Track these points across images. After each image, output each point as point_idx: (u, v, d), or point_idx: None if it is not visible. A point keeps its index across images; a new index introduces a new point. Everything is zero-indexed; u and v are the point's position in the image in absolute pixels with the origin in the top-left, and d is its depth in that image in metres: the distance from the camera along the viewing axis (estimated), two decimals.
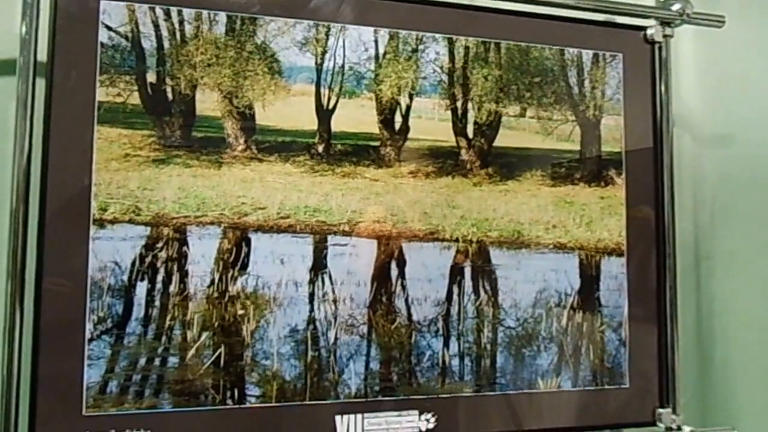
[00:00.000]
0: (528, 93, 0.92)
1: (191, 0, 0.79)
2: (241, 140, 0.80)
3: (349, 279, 0.83)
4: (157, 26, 0.78)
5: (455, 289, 0.87)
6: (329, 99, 0.84)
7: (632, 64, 0.96)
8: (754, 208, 1.07)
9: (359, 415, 0.81)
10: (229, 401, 0.77)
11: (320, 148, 0.83)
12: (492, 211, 0.89)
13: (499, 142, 0.90)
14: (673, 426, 0.93)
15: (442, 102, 0.88)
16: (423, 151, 0.87)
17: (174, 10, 0.79)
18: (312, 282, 0.81)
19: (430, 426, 0.84)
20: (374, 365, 0.83)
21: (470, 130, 0.89)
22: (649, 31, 0.97)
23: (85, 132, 0.74)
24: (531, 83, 0.92)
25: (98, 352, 0.73)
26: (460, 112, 0.89)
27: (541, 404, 0.89)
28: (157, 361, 0.75)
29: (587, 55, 0.95)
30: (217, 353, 0.77)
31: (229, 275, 0.78)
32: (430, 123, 0.88)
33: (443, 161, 0.88)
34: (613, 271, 0.94)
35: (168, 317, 0.76)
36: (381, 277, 0.84)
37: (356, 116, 0.85)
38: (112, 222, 0.75)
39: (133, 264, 0.75)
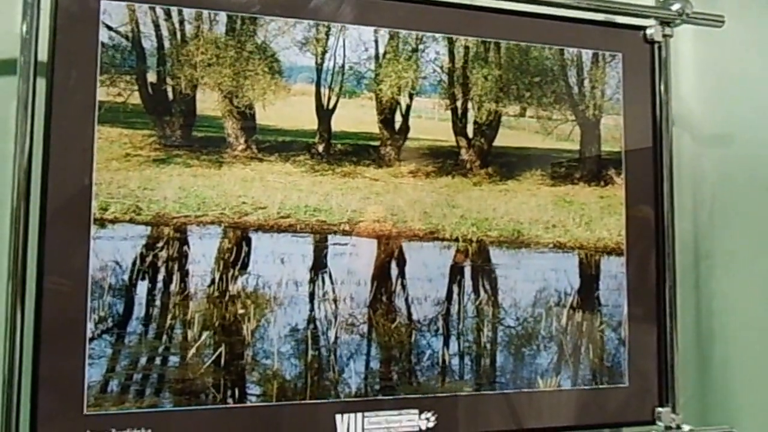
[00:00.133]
0: (528, 93, 0.92)
1: (191, 0, 0.79)
2: (242, 140, 0.80)
3: (350, 278, 0.83)
4: (157, 26, 0.78)
5: (455, 289, 0.87)
6: (329, 99, 0.84)
7: (632, 63, 0.97)
8: (753, 208, 1.07)
9: (359, 414, 0.81)
10: (230, 400, 0.77)
11: (320, 148, 0.83)
12: (492, 211, 0.89)
13: (498, 141, 0.91)
14: (673, 425, 0.93)
15: (442, 102, 0.89)
16: (423, 150, 0.87)
17: (174, 10, 0.79)
18: (312, 281, 0.81)
19: (430, 425, 0.84)
20: (374, 364, 0.83)
21: (470, 130, 0.89)
22: (648, 31, 0.97)
23: (86, 132, 0.74)
24: (531, 83, 0.92)
25: (99, 351, 0.73)
26: (460, 111, 0.89)
27: (540, 403, 0.89)
28: (157, 360, 0.75)
29: (587, 54, 0.95)
30: (217, 352, 0.77)
31: (230, 275, 0.78)
32: (430, 123, 0.88)
33: (443, 161, 0.88)
34: (613, 271, 0.94)
35: (169, 316, 0.76)
36: (381, 276, 0.84)
37: (356, 116, 0.85)
38: (113, 221, 0.75)
39: (133, 263, 0.75)
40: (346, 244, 0.83)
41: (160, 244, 0.76)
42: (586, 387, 0.91)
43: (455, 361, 0.86)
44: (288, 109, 0.82)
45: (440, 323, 0.86)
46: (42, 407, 0.70)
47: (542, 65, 0.93)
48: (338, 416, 0.80)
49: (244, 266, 0.79)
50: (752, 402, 1.05)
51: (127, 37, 0.77)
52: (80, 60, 0.75)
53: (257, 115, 0.81)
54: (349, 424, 0.81)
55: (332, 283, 0.82)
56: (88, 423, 0.72)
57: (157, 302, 0.76)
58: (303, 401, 0.80)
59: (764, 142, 1.08)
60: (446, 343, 0.86)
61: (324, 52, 0.84)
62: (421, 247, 0.86)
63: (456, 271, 0.87)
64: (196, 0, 0.79)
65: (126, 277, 0.75)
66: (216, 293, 0.78)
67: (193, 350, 0.76)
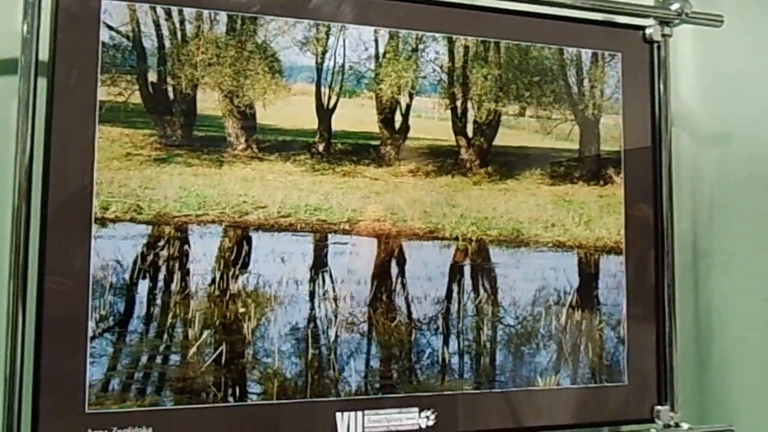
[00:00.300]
0: (527, 92, 0.92)
1: (192, 0, 0.79)
2: (242, 139, 0.81)
3: (350, 277, 0.83)
4: (158, 26, 0.78)
5: (455, 288, 0.87)
6: (329, 98, 0.84)
7: (631, 63, 0.97)
8: (752, 207, 1.08)
9: (359, 413, 0.81)
10: (231, 398, 0.77)
11: (320, 147, 0.83)
12: (491, 210, 0.89)
13: (498, 141, 0.91)
14: (671, 423, 0.93)
15: (442, 101, 0.89)
16: (423, 150, 0.87)
17: (175, 10, 0.79)
18: (312, 280, 0.82)
19: (430, 423, 0.84)
20: (374, 363, 0.83)
21: (470, 129, 0.90)
22: (648, 31, 0.97)
23: (87, 131, 0.75)
24: (530, 82, 0.93)
25: (100, 350, 0.73)
26: (459, 111, 0.89)
27: (540, 401, 0.89)
28: (158, 359, 0.76)
29: (586, 54, 0.95)
30: (218, 351, 0.77)
31: (230, 273, 0.79)
32: (430, 122, 0.88)
33: (443, 160, 0.88)
34: (612, 270, 0.94)
35: (169, 315, 0.76)
36: (381, 275, 0.84)
37: (356, 115, 0.85)
38: (114, 221, 0.75)
39: (134, 262, 0.76)
40: (346, 243, 0.83)
41: (160, 243, 0.77)
42: (585, 385, 0.91)
43: (455, 359, 0.86)
44: (288, 109, 0.83)
45: (440, 322, 0.86)
46: (43, 405, 0.71)
47: (542, 65, 0.93)
48: (338, 414, 0.81)
49: (245, 265, 0.79)
50: (751, 400, 1.05)
51: (127, 37, 0.77)
52: (81, 59, 0.75)
53: (257, 115, 0.81)
54: (349, 423, 0.81)
55: (332, 281, 0.82)
56: (89, 421, 0.72)
57: (158, 301, 0.76)
58: (303, 399, 0.80)
59: (763, 142, 1.08)
60: (446, 342, 0.86)
61: (324, 52, 0.84)
62: (421, 246, 0.86)
63: (456, 270, 0.88)
64: (196, 0, 0.79)
65: (127, 276, 0.75)
66: (217, 292, 0.78)
67: (194, 349, 0.77)
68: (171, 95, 0.79)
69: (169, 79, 0.78)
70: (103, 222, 0.74)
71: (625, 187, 0.95)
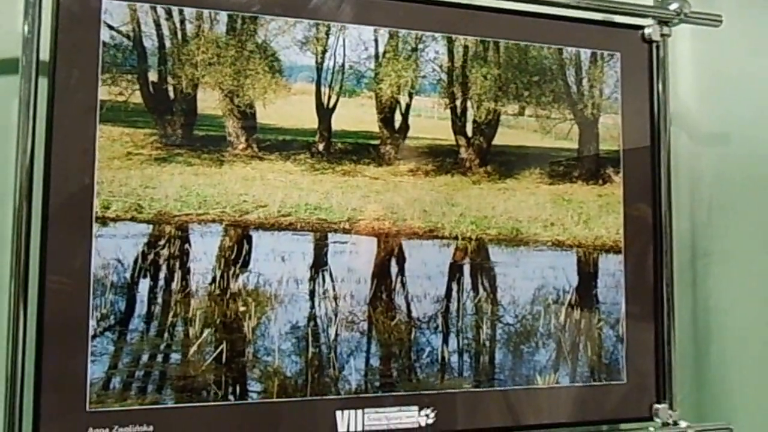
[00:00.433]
0: (527, 92, 0.93)
1: None
2: (242, 139, 0.81)
3: (350, 276, 0.83)
4: (158, 25, 0.78)
5: (454, 286, 0.88)
6: (329, 98, 0.84)
7: (630, 63, 0.97)
8: (750, 206, 1.08)
9: (359, 411, 0.82)
10: (231, 397, 0.78)
11: (321, 147, 0.84)
12: (491, 209, 0.90)
13: (497, 140, 0.91)
14: (670, 421, 0.94)
15: (442, 101, 0.89)
16: (422, 149, 0.88)
17: (175, 10, 0.79)
18: (313, 279, 0.82)
19: (430, 421, 0.84)
20: (374, 361, 0.83)
21: (469, 129, 0.90)
22: (646, 31, 0.98)
23: (88, 130, 0.75)
24: (530, 82, 0.93)
25: (101, 349, 0.74)
26: (459, 110, 0.90)
27: (539, 400, 0.89)
28: (159, 358, 0.76)
29: (585, 54, 0.95)
30: (218, 350, 0.78)
31: (231, 272, 0.79)
32: (430, 121, 0.89)
33: (442, 159, 0.88)
34: (611, 269, 0.94)
35: (170, 314, 0.76)
36: (381, 274, 0.85)
37: (356, 115, 0.85)
38: (115, 220, 0.75)
39: (135, 261, 0.76)
40: (346, 242, 0.84)
41: (161, 242, 0.77)
42: (584, 384, 0.92)
43: (454, 358, 0.87)
44: (288, 108, 0.83)
45: (439, 320, 0.86)
46: (45, 404, 0.71)
47: (541, 64, 0.93)
48: (338, 412, 0.81)
49: (245, 264, 0.80)
50: (749, 398, 1.05)
51: (128, 37, 0.77)
52: (82, 59, 0.75)
53: (258, 114, 0.82)
54: (349, 421, 0.81)
55: (332, 280, 0.83)
56: (90, 420, 0.73)
57: (159, 300, 0.76)
58: (303, 398, 0.80)
59: (762, 142, 1.09)
60: (445, 341, 0.86)
61: (324, 52, 0.84)
62: (421, 245, 0.87)
63: (455, 269, 0.88)
64: (196, 0, 0.80)
65: (128, 275, 0.75)
66: (217, 291, 0.78)
67: (194, 347, 0.77)
68: (171, 95, 0.79)
69: (169, 79, 0.79)
70: (103, 221, 0.75)
71: (624, 186, 0.96)
